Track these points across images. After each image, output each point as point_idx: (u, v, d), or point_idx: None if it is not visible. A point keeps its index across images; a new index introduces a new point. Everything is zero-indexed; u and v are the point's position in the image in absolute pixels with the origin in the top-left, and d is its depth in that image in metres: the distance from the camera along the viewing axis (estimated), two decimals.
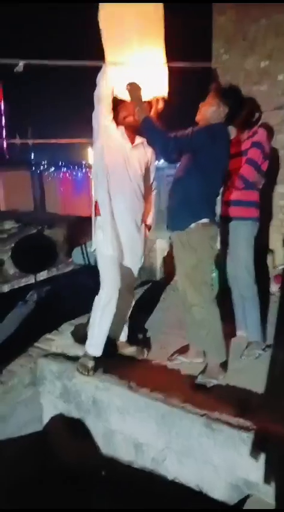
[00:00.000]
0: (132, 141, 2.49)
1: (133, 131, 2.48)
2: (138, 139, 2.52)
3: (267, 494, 1.89)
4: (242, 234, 2.66)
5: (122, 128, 2.45)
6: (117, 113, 2.45)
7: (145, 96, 2.31)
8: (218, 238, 2.65)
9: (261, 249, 4.14)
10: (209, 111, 2.31)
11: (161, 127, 2.23)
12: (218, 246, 2.64)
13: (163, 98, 2.43)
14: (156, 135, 2.24)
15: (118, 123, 2.45)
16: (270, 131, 3.89)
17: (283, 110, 4.05)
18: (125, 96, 2.33)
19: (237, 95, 2.43)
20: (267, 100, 4.05)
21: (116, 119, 2.44)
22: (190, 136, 2.19)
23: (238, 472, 1.98)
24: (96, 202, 2.47)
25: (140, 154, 2.52)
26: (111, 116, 2.40)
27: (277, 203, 4.22)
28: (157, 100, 2.41)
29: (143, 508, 2.19)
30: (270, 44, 4.04)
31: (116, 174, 2.41)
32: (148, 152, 2.59)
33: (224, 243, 2.73)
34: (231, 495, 2.05)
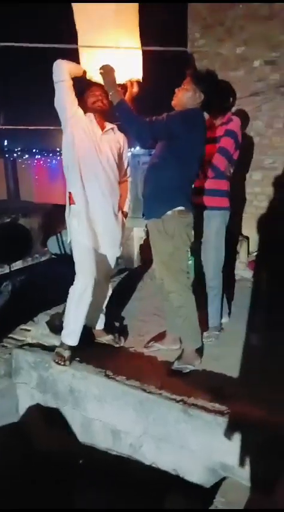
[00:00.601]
0: (102, 127, 2.43)
1: (102, 117, 2.43)
2: (108, 125, 2.46)
3: (242, 476, 1.93)
4: (213, 224, 2.67)
5: (91, 114, 2.39)
6: (84, 98, 2.39)
7: (119, 80, 2.26)
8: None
9: (233, 236, 4.20)
10: (185, 96, 2.28)
11: (136, 111, 2.19)
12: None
13: (137, 82, 2.38)
14: (131, 120, 2.18)
15: (86, 109, 2.39)
16: (244, 119, 3.90)
17: (259, 97, 4.05)
18: (98, 79, 2.26)
19: (213, 80, 2.41)
20: (243, 86, 4.05)
21: (84, 104, 2.38)
22: (165, 121, 2.16)
23: (214, 456, 2.01)
24: (69, 193, 2.41)
25: (111, 140, 2.46)
26: (76, 102, 2.32)
27: (251, 190, 4.25)
28: (132, 83, 2.36)
29: (121, 494, 2.21)
30: (247, 30, 4.02)
31: (88, 162, 2.35)
32: (119, 138, 2.54)
33: (197, 232, 2.73)
34: (208, 478, 2.08)
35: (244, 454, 1.91)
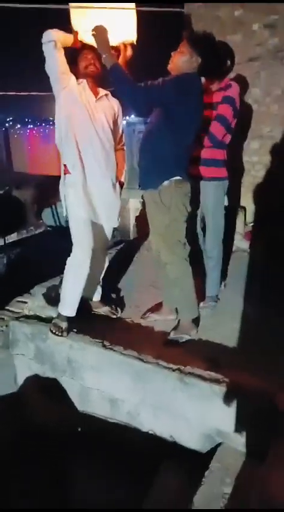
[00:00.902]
0: (96, 94, 2.34)
1: (95, 82, 2.34)
2: (102, 91, 2.38)
3: (237, 442, 1.99)
4: (211, 194, 2.63)
5: (84, 80, 2.30)
6: (76, 63, 2.29)
7: (113, 42, 2.15)
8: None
9: (231, 206, 4.16)
10: (180, 60, 2.17)
11: (130, 76, 2.09)
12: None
13: (131, 44, 2.27)
14: (125, 84, 2.08)
15: (78, 75, 2.30)
16: (243, 85, 3.79)
17: (257, 62, 3.92)
18: (90, 41, 2.16)
19: (210, 43, 2.30)
20: (241, 51, 3.90)
21: (75, 69, 2.28)
22: (161, 86, 2.07)
23: (210, 423, 2.06)
24: (64, 165, 2.35)
25: (106, 107, 2.39)
26: (68, 69, 2.23)
27: (249, 159, 4.18)
28: (126, 46, 2.25)
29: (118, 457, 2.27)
30: None
31: (83, 132, 2.28)
32: (114, 104, 2.46)
33: (194, 203, 2.69)
34: (203, 444, 2.14)
35: (239, 421, 1.95)
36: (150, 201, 2.32)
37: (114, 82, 2.11)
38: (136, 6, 2.24)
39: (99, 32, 2.08)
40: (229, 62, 2.60)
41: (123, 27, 2.17)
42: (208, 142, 2.54)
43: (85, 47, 2.29)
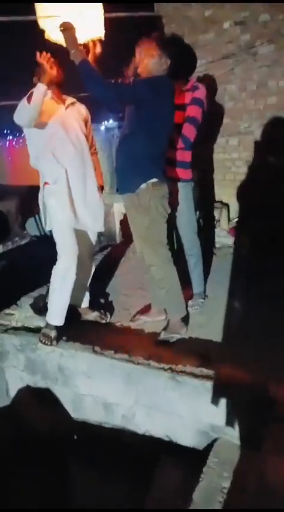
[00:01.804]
0: (63, 102, 2.34)
1: (60, 90, 2.32)
2: (69, 99, 2.37)
3: (233, 435, 1.99)
4: (182, 195, 2.64)
5: (49, 91, 2.23)
6: (38, 73, 2.25)
7: (81, 39, 2.11)
8: None
9: (209, 203, 4.19)
10: (150, 62, 2.16)
11: (99, 72, 2.05)
12: None
13: (100, 40, 2.23)
14: (95, 80, 2.03)
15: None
16: (212, 84, 3.83)
17: (231, 59, 3.96)
18: (56, 38, 2.11)
19: (179, 45, 2.31)
20: (214, 49, 3.95)
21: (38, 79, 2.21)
22: (132, 85, 2.07)
23: (204, 419, 2.06)
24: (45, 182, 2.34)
25: (75, 113, 2.39)
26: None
27: (229, 156, 4.22)
28: (94, 43, 2.22)
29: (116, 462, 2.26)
30: None
31: (59, 144, 2.27)
32: (81, 109, 2.46)
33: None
34: (200, 440, 2.14)
35: (232, 414, 1.96)
36: (129, 205, 2.32)
37: (83, 78, 2.05)
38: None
39: (67, 28, 2.03)
40: (193, 64, 2.60)
41: (90, 23, 2.13)
42: (180, 144, 2.54)
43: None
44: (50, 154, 2.27)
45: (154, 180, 2.21)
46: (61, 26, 2.04)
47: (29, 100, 2.10)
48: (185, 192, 2.64)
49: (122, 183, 2.31)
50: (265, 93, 3.91)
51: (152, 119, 2.12)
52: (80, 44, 2.12)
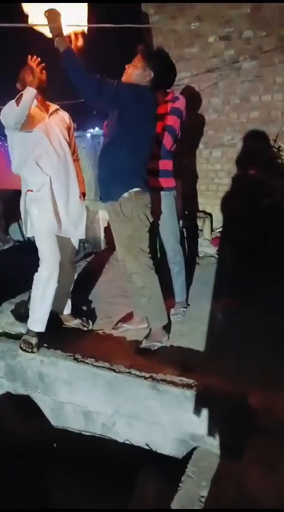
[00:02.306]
0: (46, 109, 2.35)
1: (43, 96, 2.32)
2: (53, 106, 2.38)
3: (212, 444, 2.01)
4: (165, 203, 2.67)
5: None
6: (22, 79, 2.27)
7: (64, 29, 2.07)
8: None
9: (193, 214, 4.25)
10: (134, 73, 2.19)
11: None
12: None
13: (82, 33, 2.21)
14: (79, 69, 1.98)
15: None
16: (192, 97, 3.90)
17: (215, 73, 4.05)
18: (42, 23, 2.07)
19: (164, 58, 2.34)
20: (199, 63, 4.05)
21: (22, 85, 2.24)
22: (116, 85, 2.05)
23: (184, 428, 2.07)
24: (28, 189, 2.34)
25: (58, 121, 2.40)
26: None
27: (212, 167, 4.30)
28: (77, 36, 2.19)
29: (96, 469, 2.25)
30: (197, 6, 3.98)
31: (42, 152, 2.28)
32: (64, 116, 2.48)
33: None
34: (179, 449, 2.15)
35: (212, 423, 1.97)
36: (111, 213, 2.33)
37: (66, 65, 2.01)
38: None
39: (52, 15, 2.00)
40: (173, 76, 2.62)
41: (73, 14, 2.11)
42: (158, 152, 2.56)
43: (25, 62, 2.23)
44: (33, 163, 2.28)
45: (137, 189, 2.22)
46: (46, 12, 2.00)
47: (17, 102, 2.11)
48: (168, 201, 2.67)
49: (105, 192, 2.32)
50: (247, 107, 4.02)
51: (134, 128, 2.12)
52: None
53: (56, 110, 2.41)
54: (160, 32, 4.22)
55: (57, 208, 2.37)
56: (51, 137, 2.31)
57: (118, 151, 2.18)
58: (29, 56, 2.17)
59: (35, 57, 2.17)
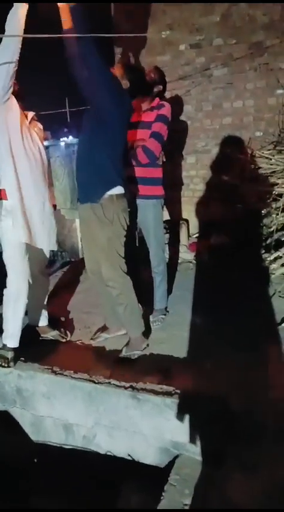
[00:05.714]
0: (26, 116, 2.31)
1: (22, 103, 2.28)
2: (30, 114, 2.34)
3: (194, 452, 2.00)
4: (151, 212, 2.67)
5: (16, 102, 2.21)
6: None
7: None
8: None
9: (173, 220, 4.27)
10: None
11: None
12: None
13: None
14: (86, 29, 1.92)
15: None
16: (175, 104, 3.94)
17: (187, 81, 4.11)
18: None
19: (139, 70, 2.35)
20: (171, 71, 4.08)
21: None
22: (106, 68, 2.05)
23: (166, 436, 2.06)
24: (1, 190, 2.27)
25: (36, 128, 2.37)
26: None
27: (187, 174, 4.33)
28: None
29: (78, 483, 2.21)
30: (169, 15, 4.03)
31: (22, 154, 2.23)
32: (40, 126, 2.44)
33: (132, 221, 2.69)
34: (161, 458, 2.13)
35: (193, 430, 1.96)
36: (90, 215, 2.26)
37: (77, 19, 1.96)
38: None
39: None
40: (160, 86, 2.66)
41: None
42: (145, 160, 2.55)
43: None
44: (11, 160, 2.19)
45: (119, 191, 2.21)
46: None
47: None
48: (156, 210, 2.68)
49: (85, 193, 2.27)
50: (220, 113, 4.08)
51: (112, 120, 2.10)
52: None
53: (33, 118, 2.38)
54: (132, 39, 4.24)
55: (29, 217, 2.30)
56: (29, 143, 2.26)
57: (96, 150, 2.15)
58: None
59: None
